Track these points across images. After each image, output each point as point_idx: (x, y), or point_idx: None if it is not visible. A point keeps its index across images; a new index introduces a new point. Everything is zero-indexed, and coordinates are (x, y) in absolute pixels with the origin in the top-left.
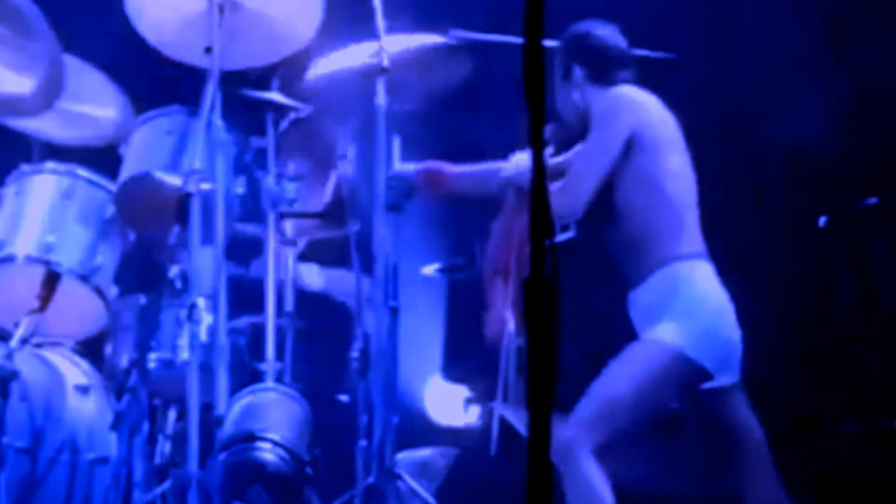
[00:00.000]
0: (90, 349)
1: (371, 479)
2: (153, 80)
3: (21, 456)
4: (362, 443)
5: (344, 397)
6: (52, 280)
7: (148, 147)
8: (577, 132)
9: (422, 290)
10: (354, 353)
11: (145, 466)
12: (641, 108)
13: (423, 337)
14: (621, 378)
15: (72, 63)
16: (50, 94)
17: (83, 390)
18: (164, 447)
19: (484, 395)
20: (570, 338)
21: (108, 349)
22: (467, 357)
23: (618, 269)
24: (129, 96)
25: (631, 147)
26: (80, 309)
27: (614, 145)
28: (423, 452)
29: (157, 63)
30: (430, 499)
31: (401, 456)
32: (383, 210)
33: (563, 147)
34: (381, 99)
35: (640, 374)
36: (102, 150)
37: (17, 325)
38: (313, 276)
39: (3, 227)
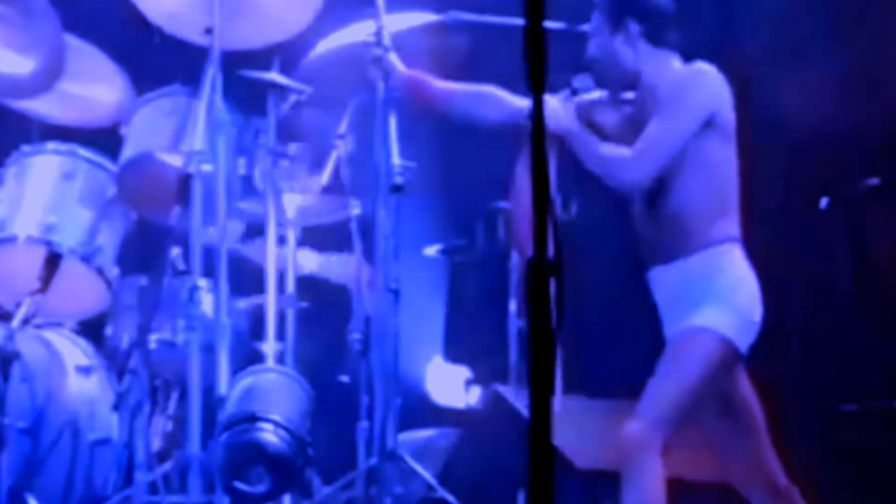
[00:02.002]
0: (91, 330)
1: (373, 461)
2: (154, 60)
3: (22, 436)
4: (363, 424)
5: (345, 378)
6: (53, 260)
7: (149, 128)
8: (612, 86)
9: (423, 272)
10: (355, 335)
11: (147, 447)
12: (724, 90)
13: (424, 318)
14: (683, 372)
15: (72, 43)
16: (50, 74)
17: (84, 371)
18: (166, 428)
19: (485, 376)
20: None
21: (110, 330)
22: (468, 338)
23: (645, 244)
24: (130, 76)
25: (706, 127)
26: (81, 289)
27: (695, 121)
28: (425, 433)
29: (158, 43)
30: (431, 480)
31: (402, 437)
32: (384, 191)
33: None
34: (380, 79)
35: (701, 366)
36: (103, 130)
37: (18, 305)
38: (308, 260)
39: (3, 207)
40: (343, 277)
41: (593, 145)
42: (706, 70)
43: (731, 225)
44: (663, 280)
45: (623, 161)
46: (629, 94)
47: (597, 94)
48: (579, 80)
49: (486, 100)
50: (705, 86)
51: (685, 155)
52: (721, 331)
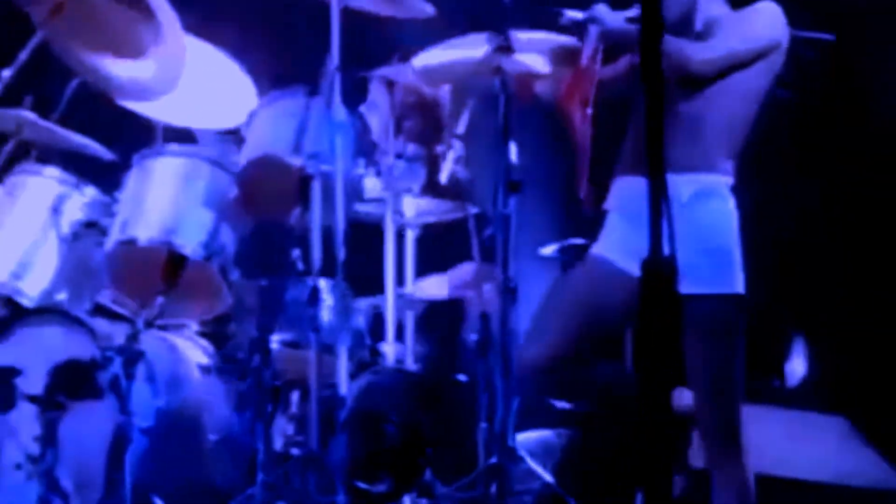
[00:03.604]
0: (214, 331)
1: (493, 460)
2: (274, 61)
3: (146, 436)
4: (483, 424)
5: (464, 378)
6: (175, 262)
7: (269, 129)
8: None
9: (540, 270)
10: (473, 335)
11: (268, 447)
12: (785, 32)
13: None
14: (734, 352)
15: (194, 45)
16: (172, 77)
17: (207, 371)
18: (287, 428)
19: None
20: None
21: (232, 330)
22: None
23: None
24: (251, 77)
25: (759, 57)
26: (203, 291)
27: (758, 43)
28: (543, 433)
29: (277, 44)
30: (549, 479)
31: (521, 437)
32: (502, 190)
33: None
34: (501, 79)
35: (738, 341)
36: (224, 131)
37: (141, 306)
38: (437, 287)
39: (126, 209)
40: (465, 288)
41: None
42: (773, 6)
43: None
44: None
45: (695, 47)
46: None
47: None
48: (635, 11)
49: None
50: (772, 17)
51: (732, 77)
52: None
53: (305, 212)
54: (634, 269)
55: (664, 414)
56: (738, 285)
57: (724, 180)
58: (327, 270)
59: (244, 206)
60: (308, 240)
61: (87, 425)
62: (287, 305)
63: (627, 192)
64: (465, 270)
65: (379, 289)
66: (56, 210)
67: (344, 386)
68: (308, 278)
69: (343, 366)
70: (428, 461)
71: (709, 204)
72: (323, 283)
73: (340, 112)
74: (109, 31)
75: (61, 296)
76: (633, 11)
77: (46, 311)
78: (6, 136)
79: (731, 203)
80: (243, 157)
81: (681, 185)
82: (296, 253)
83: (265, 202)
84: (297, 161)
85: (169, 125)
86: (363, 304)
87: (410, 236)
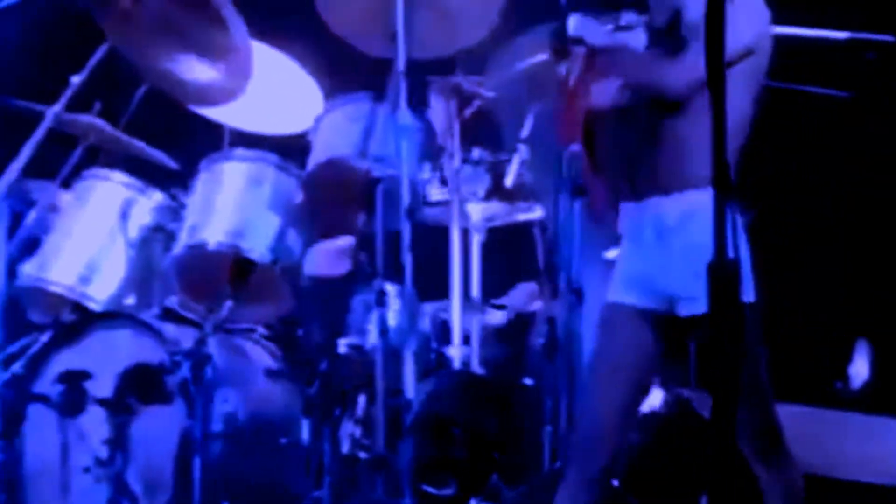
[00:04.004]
0: (281, 334)
1: (558, 465)
2: (340, 66)
3: (214, 441)
4: (548, 427)
5: (530, 381)
6: (243, 266)
7: (336, 133)
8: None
9: (606, 274)
10: (540, 338)
11: (335, 451)
12: (767, 27)
13: None
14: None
15: (261, 50)
16: (239, 82)
17: (274, 375)
18: (354, 431)
19: (668, 380)
20: None
21: (299, 334)
22: None
23: (645, 169)
24: (318, 82)
25: (740, 59)
26: (270, 294)
27: (736, 47)
28: None
29: (345, 50)
30: (615, 484)
31: None
32: (567, 194)
33: None
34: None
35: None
36: (291, 136)
37: (209, 310)
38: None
39: (194, 213)
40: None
41: (637, 53)
42: (753, 2)
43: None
44: (661, 210)
45: (671, 64)
46: None
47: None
48: (625, 17)
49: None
50: (751, 14)
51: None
52: None
53: (371, 215)
54: (637, 300)
55: (733, 420)
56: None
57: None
58: (393, 274)
59: (310, 209)
60: (374, 243)
61: (156, 429)
62: (354, 309)
63: (626, 218)
64: (526, 290)
65: (445, 293)
66: (124, 215)
67: (411, 390)
68: (375, 282)
69: (410, 369)
70: (494, 465)
71: (698, 222)
72: (389, 287)
73: (406, 116)
74: (179, 37)
75: (129, 300)
76: (626, 17)
77: (115, 316)
78: (75, 141)
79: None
80: (310, 161)
81: (667, 207)
82: (362, 257)
83: (332, 205)
84: (363, 165)
85: (236, 129)
86: (429, 307)
87: (476, 240)
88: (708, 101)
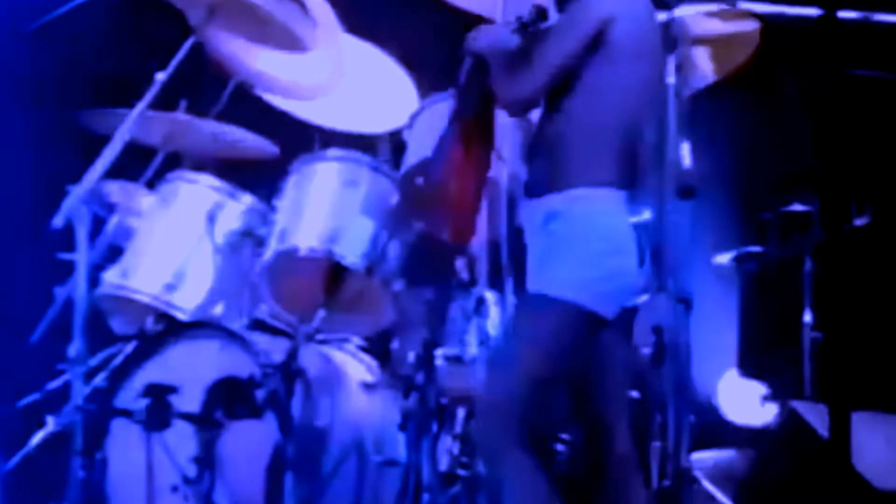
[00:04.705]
0: (377, 345)
1: (667, 482)
2: (437, 63)
3: (306, 458)
4: (656, 443)
5: (636, 394)
6: (336, 272)
7: (431, 132)
8: None
9: (715, 280)
10: (646, 348)
11: (434, 468)
12: (621, 3)
13: (717, 329)
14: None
15: (355, 45)
16: (331, 78)
17: (369, 388)
18: (453, 447)
19: (782, 392)
20: None
21: (395, 345)
22: (764, 351)
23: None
24: (414, 80)
25: (597, 44)
26: (365, 303)
27: (577, 35)
28: (719, 453)
29: (438, 46)
30: (727, 502)
31: (696, 457)
32: (675, 196)
33: None
34: (671, 77)
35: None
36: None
37: (301, 321)
38: None
39: (285, 217)
40: None
41: (505, 66)
42: None
43: (608, 170)
44: (529, 217)
45: (514, 84)
46: None
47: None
48: (529, 13)
49: None
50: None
51: (576, 76)
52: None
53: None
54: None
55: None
56: (550, 288)
57: (584, 193)
58: (494, 281)
59: (407, 212)
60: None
61: (246, 445)
62: (452, 318)
63: (523, 215)
64: None
65: None
66: (211, 219)
67: None
68: (474, 289)
69: None
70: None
71: (555, 225)
72: (489, 295)
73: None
74: (268, 32)
75: (217, 309)
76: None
77: (202, 326)
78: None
79: (593, 214)
80: (406, 161)
81: (536, 211)
82: (461, 262)
83: (429, 208)
84: None
85: (327, 129)
86: None
87: None
88: (589, 102)
